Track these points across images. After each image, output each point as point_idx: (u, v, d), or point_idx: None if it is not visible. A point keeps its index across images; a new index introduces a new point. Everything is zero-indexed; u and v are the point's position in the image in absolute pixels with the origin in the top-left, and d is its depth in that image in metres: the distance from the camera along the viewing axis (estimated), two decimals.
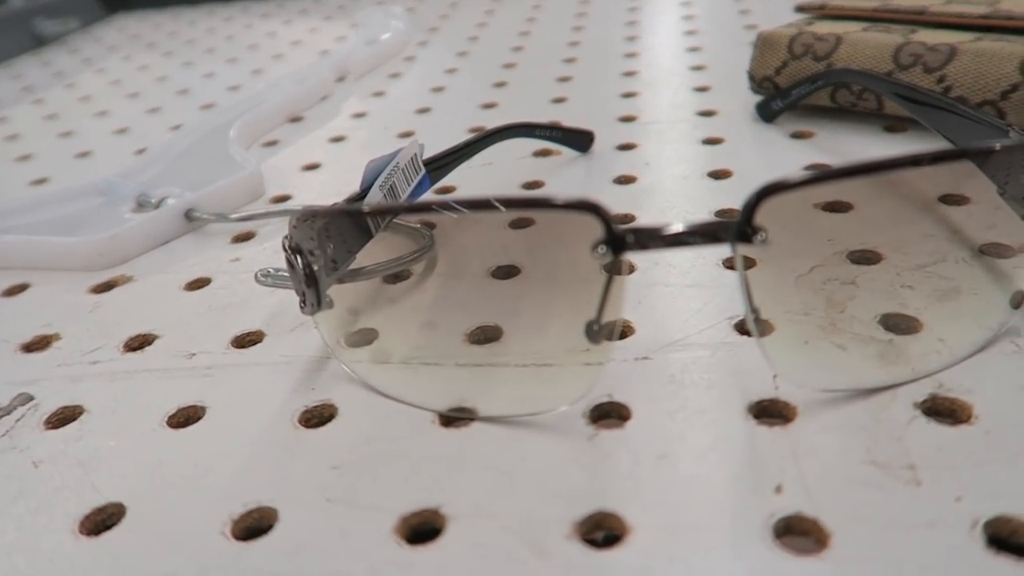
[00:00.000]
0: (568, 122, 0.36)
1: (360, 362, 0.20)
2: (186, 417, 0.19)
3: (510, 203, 0.16)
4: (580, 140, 0.32)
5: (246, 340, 0.22)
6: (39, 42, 0.66)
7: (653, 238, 0.16)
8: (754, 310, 0.16)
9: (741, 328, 0.20)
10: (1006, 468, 0.15)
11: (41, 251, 0.28)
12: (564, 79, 0.42)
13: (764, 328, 0.17)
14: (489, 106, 0.39)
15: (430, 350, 0.21)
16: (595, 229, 0.16)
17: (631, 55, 0.44)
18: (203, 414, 0.19)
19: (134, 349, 0.23)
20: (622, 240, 0.16)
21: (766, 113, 0.33)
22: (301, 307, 0.19)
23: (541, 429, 0.17)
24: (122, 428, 0.19)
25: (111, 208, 0.31)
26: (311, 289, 0.18)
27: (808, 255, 0.21)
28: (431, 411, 0.18)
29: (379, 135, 0.38)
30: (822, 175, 0.15)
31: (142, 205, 0.30)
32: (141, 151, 0.40)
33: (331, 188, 0.32)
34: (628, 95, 0.38)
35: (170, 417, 0.19)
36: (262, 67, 0.53)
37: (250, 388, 0.20)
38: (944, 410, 0.17)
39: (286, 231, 0.19)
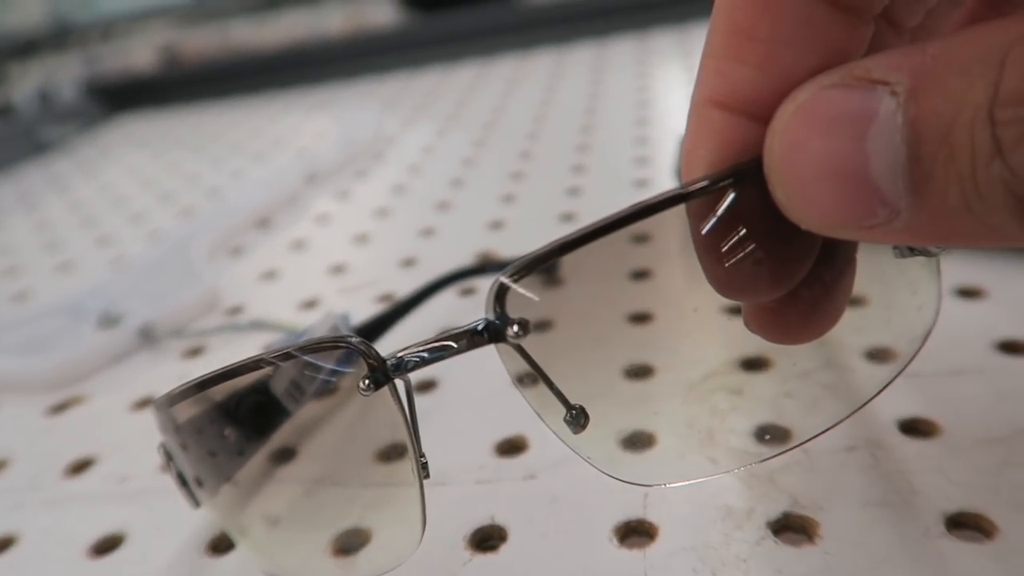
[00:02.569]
0: (513, 221, 0.37)
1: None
2: (106, 546, 0.21)
3: (277, 355, 0.16)
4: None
5: None
6: (41, 147, 0.70)
7: (410, 359, 0.15)
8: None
9: (627, 443, 0.21)
10: None
11: (4, 373, 0.30)
12: (516, 174, 0.44)
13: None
14: (443, 206, 0.41)
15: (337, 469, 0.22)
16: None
17: (582, 148, 0.46)
18: (122, 542, 0.21)
19: (74, 473, 0.24)
20: (381, 369, 0.15)
21: None
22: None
23: (422, 555, 0.18)
24: (49, 558, 0.21)
25: (74, 327, 0.33)
26: (184, 488, 0.19)
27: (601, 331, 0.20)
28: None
29: (336, 240, 0.40)
30: (557, 248, 0.14)
31: (104, 323, 0.32)
32: (115, 260, 0.42)
33: (282, 298, 0.34)
34: (573, 191, 0.40)
35: (92, 547, 0.21)
36: (242, 168, 0.55)
37: (170, 514, 0.22)
38: (796, 527, 0.18)
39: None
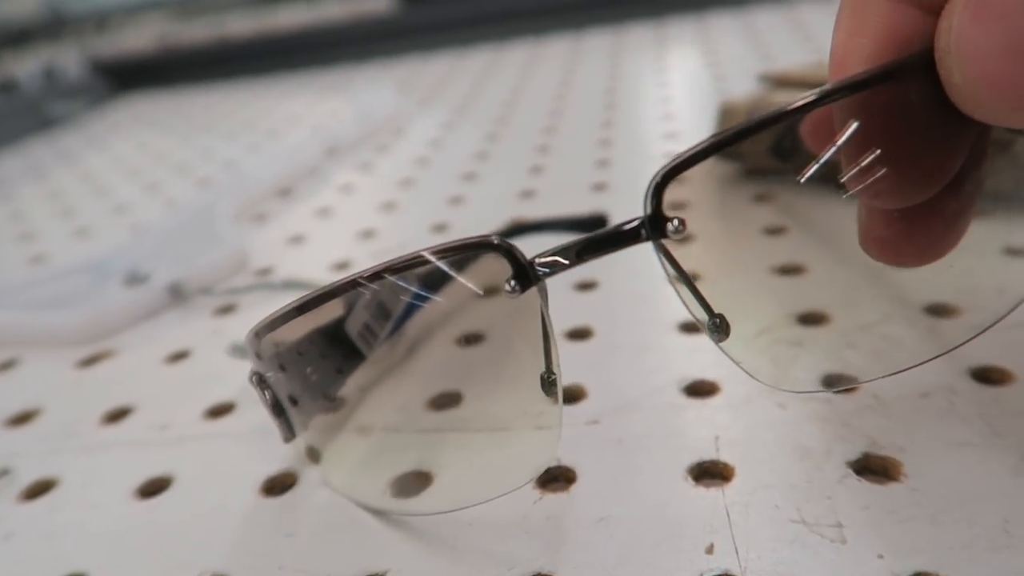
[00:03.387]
0: (544, 190, 0.37)
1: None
2: (154, 488, 0.20)
3: (410, 263, 0.15)
4: (592, 225, 0.31)
5: (219, 411, 0.23)
6: (48, 123, 0.69)
7: (561, 257, 0.15)
8: (713, 316, 0.16)
9: (690, 391, 0.21)
10: (927, 525, 0.15)
11: (31, 328, 0.29)
12: (543, 148, 0.43)
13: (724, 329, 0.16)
14: (469, 176, 0.41)
15: (390, 417, 0.21)
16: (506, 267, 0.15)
17: (607, 124, 0.45)
18: (170, 485, 0.20)
19: (111, 421, 0.24)
20: (530, 268, 0.15)
21: None
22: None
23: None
24: (92, 499, 0.20)
25: (101, 285, 0.32)
26: (280, 419, 0.18)
27: (739, 241, 0.20)
28: (387, 478, 0.19)
29: (362, 207, 0.39)
30: (715, 143, 0.15)
31: (130, 281, 0.32)
32: (134, 226, 0.41)
33: (312, 260, 0.33)
34: (602, 163, 0.39)
35: (138, 488, 0.20)
36: (257, 142, 0.55)
37: (217, 458, 0.21)
38: (877, 468, 0.17)
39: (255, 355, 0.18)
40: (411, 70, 0.70)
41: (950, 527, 0.15)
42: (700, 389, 0.21)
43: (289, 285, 0.30)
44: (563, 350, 0.24)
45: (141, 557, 0.18)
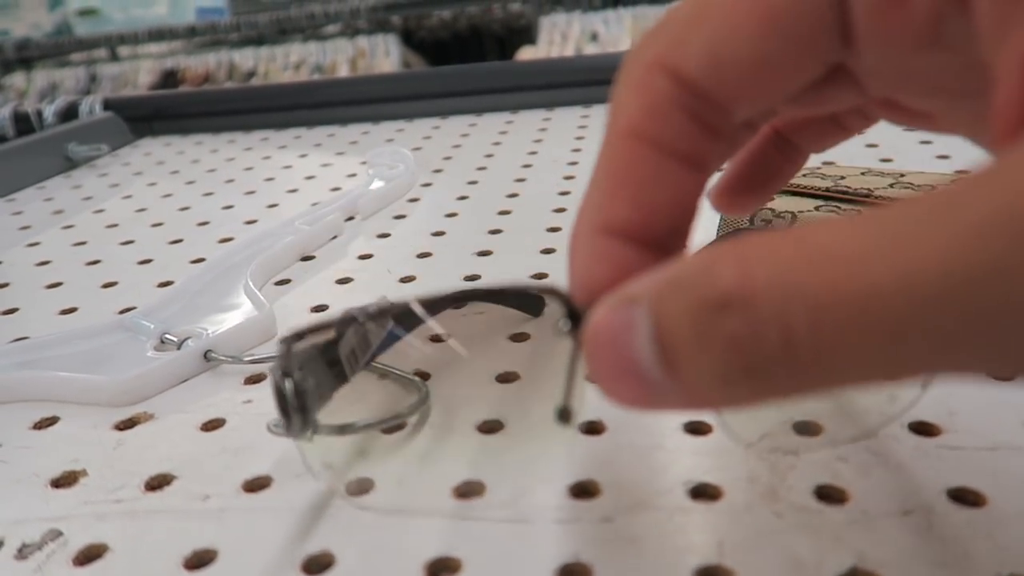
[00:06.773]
0: (556, 271, 0.39)
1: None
2: (199, 560, 0.22)
3: (470, 295, 0.20)
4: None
5: (256, 484, 0.25)
6: (70, 164, 0.71)
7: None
8: None
9: (695, 493, 0.23)
10: None
11: (70, 387, 0.31)
12: (553, 229, 0.46)
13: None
14: (484, 253, 0.43)
15: (415, 498, 0.23)
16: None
17: None
18: (215, 558, 0.22)
19: (154, 488, 0.25)
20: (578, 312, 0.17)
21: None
22: (280, 429, 0.21)
23: None
24: (142, 568, 0.22)
25: (134, 345, 0.34)
26: (299, 414, 0.20)
27: None
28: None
29: (382, 278, 0.41)
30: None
31: (164, 343, 0.34)
32: (163, 284, 0.43)
33: None
34: None
35: (186, 560, 0.22)
36: (278, 201, 0.57)
37: (258, 533, 0.23)
38: None
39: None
40: (423, 133, 0.72)
41: None
42: (704, 492, 0.23)
43: None
44: (576, 447, 0.26)
45: None
